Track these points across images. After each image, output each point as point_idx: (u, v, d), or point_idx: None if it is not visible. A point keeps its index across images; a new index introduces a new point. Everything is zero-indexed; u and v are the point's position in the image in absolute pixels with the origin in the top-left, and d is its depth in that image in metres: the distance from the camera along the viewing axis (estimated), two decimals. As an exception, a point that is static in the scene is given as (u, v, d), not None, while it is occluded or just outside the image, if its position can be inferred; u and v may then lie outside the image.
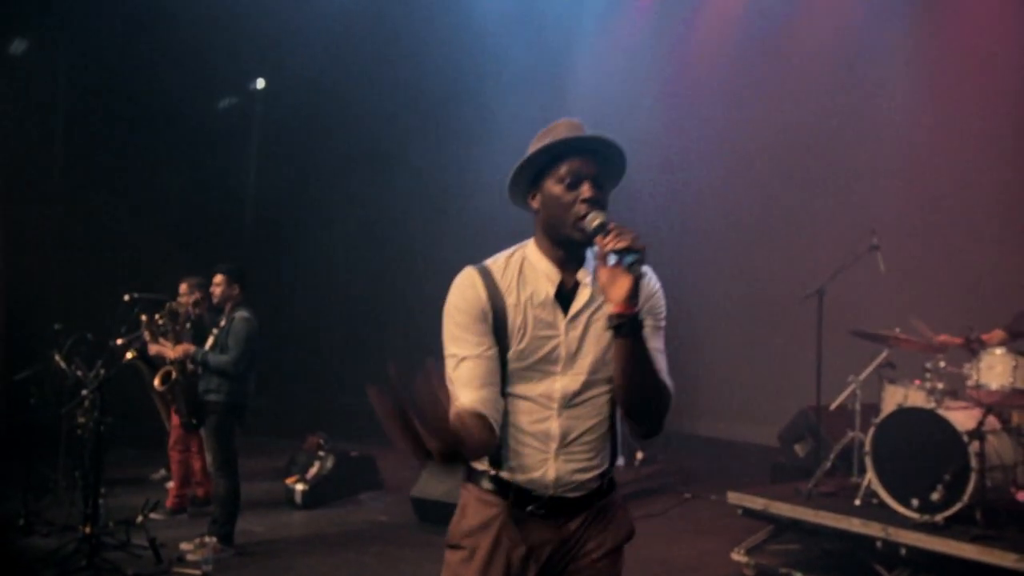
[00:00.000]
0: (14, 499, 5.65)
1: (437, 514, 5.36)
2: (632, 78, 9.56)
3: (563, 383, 1.95)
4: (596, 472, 1.98)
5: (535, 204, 1.99)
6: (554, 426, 1.94)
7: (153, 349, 5.65)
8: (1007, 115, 7.22)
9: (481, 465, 2.00)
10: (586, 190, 1.88)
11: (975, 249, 7.19)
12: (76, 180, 8.80)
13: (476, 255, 2.07)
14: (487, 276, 1.98)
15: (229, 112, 10.21)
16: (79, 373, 5.38)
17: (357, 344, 9.96)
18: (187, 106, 9.26)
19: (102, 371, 5.18)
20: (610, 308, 1.82)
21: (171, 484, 6.20)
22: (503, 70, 9.35)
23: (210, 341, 5.33)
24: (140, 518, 5.52)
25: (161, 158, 9.13)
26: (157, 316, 5.74)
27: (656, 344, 1.96)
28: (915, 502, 4.56)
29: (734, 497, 5.29)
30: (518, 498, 1.97)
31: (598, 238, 1.83)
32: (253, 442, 8.44)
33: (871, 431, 4.82)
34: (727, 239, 9.41)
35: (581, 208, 1.88)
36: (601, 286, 1.84)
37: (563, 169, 1.91)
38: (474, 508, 2.01)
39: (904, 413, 4.75)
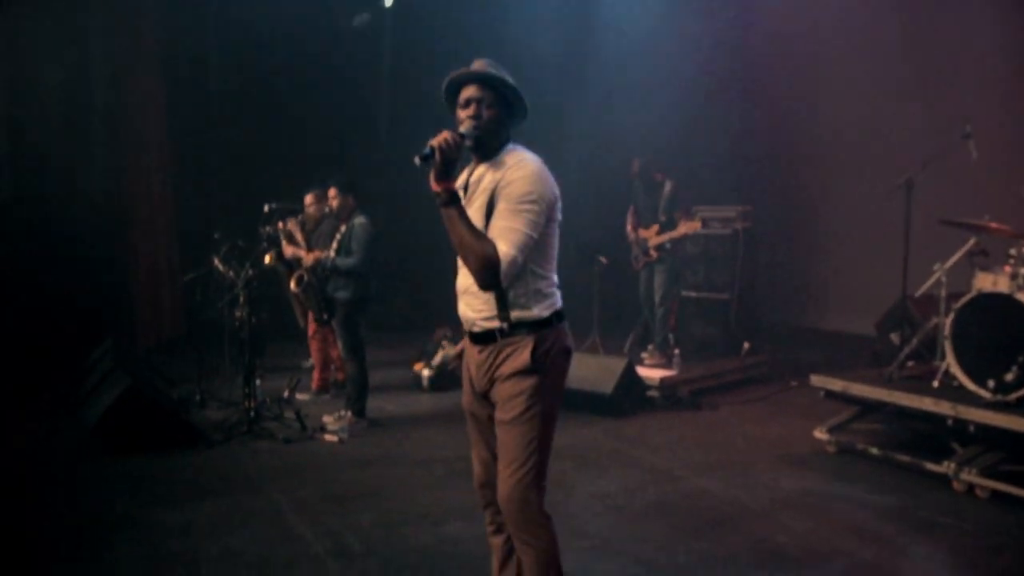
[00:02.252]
0: (192, 381, 6.76)
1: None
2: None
3: None
4: (487, 315, 2.62)
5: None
6: (460, 277, 2.72)
7: (288, 251, 6.46)
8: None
9: None
10: (471, 109, 2.63)
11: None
12: (229, 106, 9.77)
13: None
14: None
15: (361, 31, 10.75)
16: (231, 274, 6.26)
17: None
18: (323, 28, 9.93)
19: (250, 272, 6.05)
20: None
21: (315, 370, 7.12)
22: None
23: (334, 246, 6.05)
24: (286, 393, 6.46)
25: (303, 81, 9.89)
26: (291, 222, 6.55)
27: (504, 222, 2.51)
28: (991, 383, 4.68)
29: (817, 380, 5.56)
30: (465, 330, 2.77)
31: None
32: (390, 336, 9.41)
33: (951, 316, 4.93)
34: (837, 135, 9.20)
35: (465, 122, 2.62)
36: None
37: (461, 95, 2.67)
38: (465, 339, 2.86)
39: (983, 298, 4.82)
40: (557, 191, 2.63)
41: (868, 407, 5.42)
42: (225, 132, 9.66)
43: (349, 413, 6.00)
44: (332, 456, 5.33)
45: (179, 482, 4.77)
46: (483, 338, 2.67)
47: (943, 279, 5.23)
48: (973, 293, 4.88)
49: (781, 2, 8.88)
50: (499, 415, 2.65)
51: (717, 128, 9.48)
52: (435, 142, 2.49)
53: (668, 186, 7.28)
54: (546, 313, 2.64)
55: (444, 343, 7.54)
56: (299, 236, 6.63)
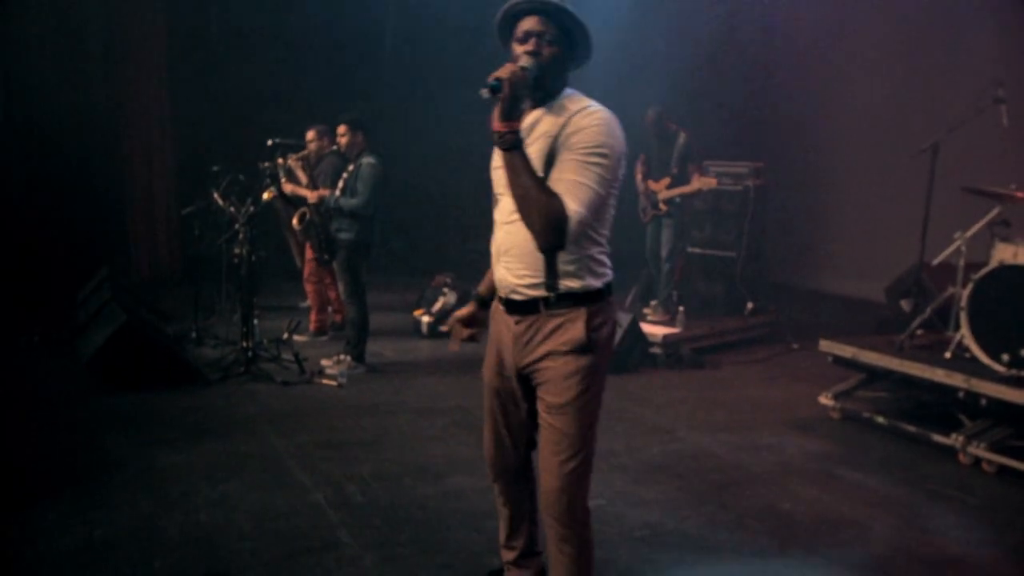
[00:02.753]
0: (187, 318, 6.64)
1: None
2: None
3: (504, 202, 2.40)
4: (531, 281, 2.34)
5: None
6: (499, 236, 2.44)
7: (288, 188, 6.27)
8: None
9: None
10: (530, 44, 2.30)
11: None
12: (229, 36, 9.43)
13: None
14: None
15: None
16: (232, 209, 6.09)
17: (480, 195, 10.37)
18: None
19: (251, 208, 5.88)
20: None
21: (312, 311, 7.00)
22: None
23: (340, 185, 5.87)
24: (285, 335, 6.36)
25: (305, 11, 9.55)
26: (292, 158, 6.35)
27: (572, 175, 2.22)
28: (1005, 357, 4.61)
29: (826, 345, 5.47)
30: (498, 295, 2.52)
31: None
32: (389, 280, 9.29)
33: (969, 287, 4.82)
34: (840, 92, 8.99)
35: (522, 58, 2.30)
36: None
37: (518, 28, 2.34)
38: (494, 305, 2.61)
39: (1005, 271, 4.71)
40: (625, 146, 2.32)
41: (875, 374, 5.36)
42: (226, 63, 9.34)
43: (348, 357, 5.90)
44: (331, 401, 5.25)
45: (176, 422, 4.68)
46: (523, 307, 2.39)
47: (963, 248, 5.11)
48: (994, 264, 4.77)
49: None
50: (548, 398, 2.38)
51: (735, 82, 9.25)
52: (503, 73, 2.18)
53: (682, 137, 7.09)
54: (598, 284, 2.37)
55: (445, 290, 7.42)
56: (300, 173, 6.45)
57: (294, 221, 6.26)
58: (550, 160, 2.27)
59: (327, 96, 9.18)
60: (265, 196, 6.20)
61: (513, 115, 2.20)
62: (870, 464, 4.53)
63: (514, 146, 2.20)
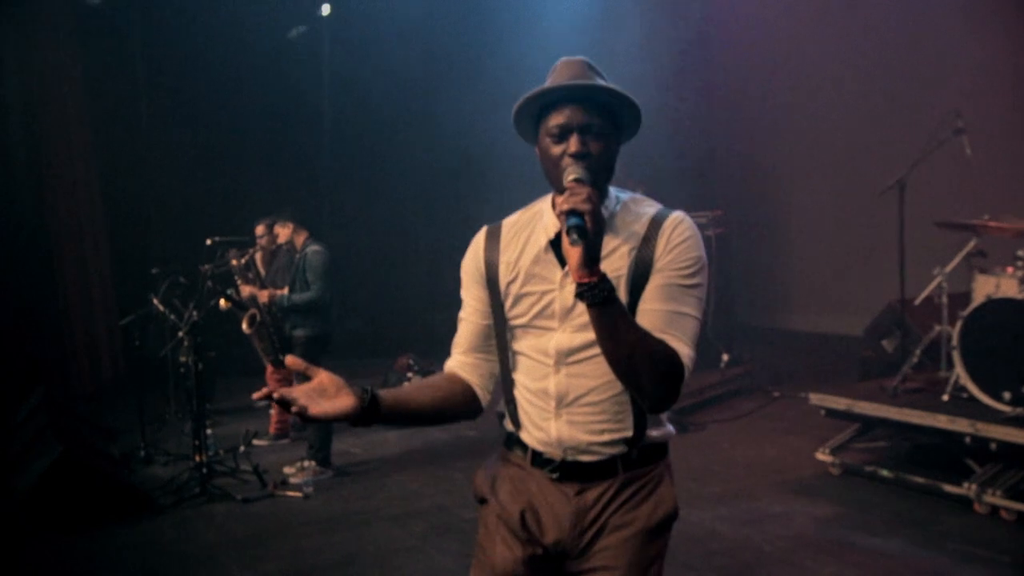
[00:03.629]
0: (135, 432, 6.14)
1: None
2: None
3: (559, 339, 1.78)
4: (611, 436, 1.78)
5: (538, 154, 1.83)
6: (551, 384, 1.79)
7: (245, 290, 5.91)
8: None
9: (508, 425, 1.94)
10: (572, 143, 1.72)
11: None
12: (159, 128, 9.10)
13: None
14: (493, 234, 1.92)
15: (299, 41, 10.20)
16: (172, 317, 5.69)
17: (441, 262, 10.13)
18: (260, 40, 9.32)
19: (194, 313, 5.48)
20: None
21: (272, 411, 6.57)
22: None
23: (289, 280, 5.53)
24: (242, 448, 5.91)
25: (240, 99, 9.29)
26: (246, 256, 6.00)
27: (671, 305, 1.71)
28: (1006, 395, 4.40)
29: (816, 398, 5.22)
30: (536, 459, 1.85)
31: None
32: (347, 364, 8.84)
33: (959, 324, 4.63)
34: (812, 132, 8.96)
35: (565, 162, 1.72)
36: (564, 251, 1.65)
37: (551, 121, 1.75)
38: (500, 466, 1.95)
39: (994, 304, 4.52)
40: None
41: (869, 423, 5.11)
42: (159, 159, 8.99)
43: (312, 463, 5.46)
44: (297, 516, 4.79)
45: (126, 562, 4.20)
46: (595, 471, 1.80)
47: (944, 284, 4.93)
48: (980, 299, 4.58)
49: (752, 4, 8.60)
50: None
51: (688, 131, 9.16)
52: (579, 204, 1.57)
53: (640, 192, 6.89)
54: (673, 429, 1.90)
55: (410, 374, 7.05)
56: (261, 268, 6.10)
57: (243, 324, 5.86)
58: (637, 283, 1.75)
59: (267, 183, 8.87)
60: (221, 304, 5.82)
61: (598, 257, 1.61)
62: (884, 525, 4.23)
63: (608, 299, 1.61)
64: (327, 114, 10.44)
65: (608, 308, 1.61)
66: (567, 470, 1.81)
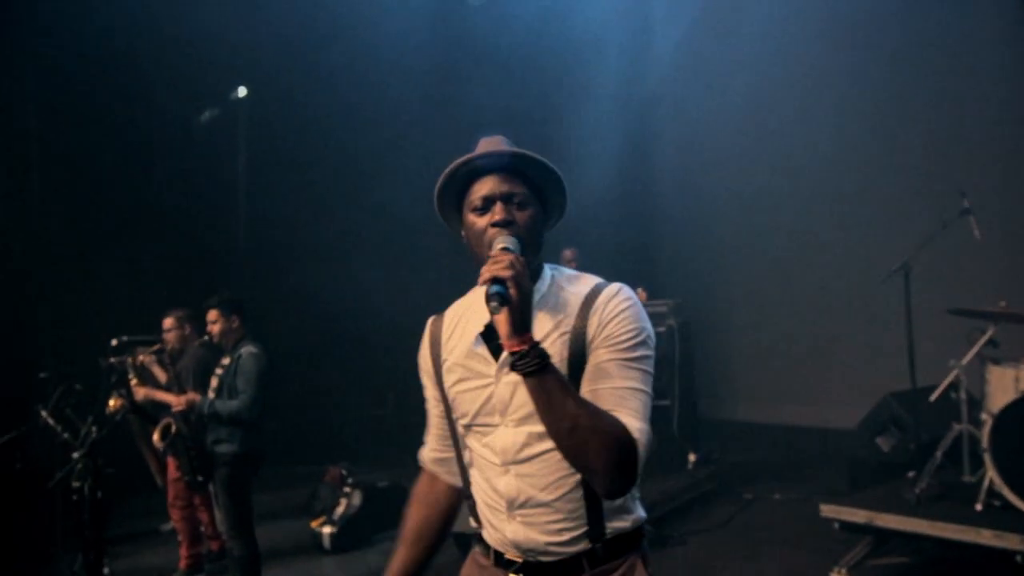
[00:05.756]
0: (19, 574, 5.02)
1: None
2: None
3: (503, 436, 1.73)
4: (571, 535, 1.71)
5: (464, 238, 1.79)
6: (501, 484, 1.74)
7: (141, 392, 4.97)
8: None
9: (472, 522, 1.90)
10: (497, 211, 1.71)
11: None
12: (54, 208, 8.05)
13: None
14: (436, 325, 1.90)
15: (212, 124, 9.48)
16: (66, 436, 4.70)
17: (369, 358, 9.33)
18: (170, 122, 8.54)
19: (93, 430, 4.50)
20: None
21: (181, 539, 5.51)
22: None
23: (214, 384, 4.64)
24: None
25: (147, 181, 8.42)
26: (142, 357, 5.08)
27: (618, 382, 1.65)
28: (1051, 503, 3.92)
29: (828, 510, 4.63)
30: (498, 560, 1.81)
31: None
32: (269, 473, 7.80)
33: (989, 423, 4.17)
34: (801, 213, 8.57)
35: (491, 233, 1.69)
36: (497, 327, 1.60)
37: (474, 194, 1.74)
38: (468, 567, 1.92)
39: (1028, 401, 4.10)
40: None
41: (884, 535, 4.55)
42: (52, 239, 7.90)
43: (239, 609, 4.48)
44: None
45: None
46: (556, 572, 1.73)
47: (962, 378, 4.49)
48: (1014, 395, 4.14)
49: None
50: None
51: (640, 217, 8.81)
52: (501, 270, 1.53)
53: (573, 263, 6.45)
54: (644, 514, 1.81)
55: (347, 488, 6.13)
56: (158, 371, 5.16)
57: (155, 437, 4.89)
58: (575, 366, 1.68)
59: (179, 269, 7.94)
60: (111, 404, 4.87)
61: (528, 324, 1.57)
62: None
63: (542, 367, 1.56)
64: (242, 194, 9.65)
65: (543, 376, 1.57)
66: (530, 571, 1.76)
